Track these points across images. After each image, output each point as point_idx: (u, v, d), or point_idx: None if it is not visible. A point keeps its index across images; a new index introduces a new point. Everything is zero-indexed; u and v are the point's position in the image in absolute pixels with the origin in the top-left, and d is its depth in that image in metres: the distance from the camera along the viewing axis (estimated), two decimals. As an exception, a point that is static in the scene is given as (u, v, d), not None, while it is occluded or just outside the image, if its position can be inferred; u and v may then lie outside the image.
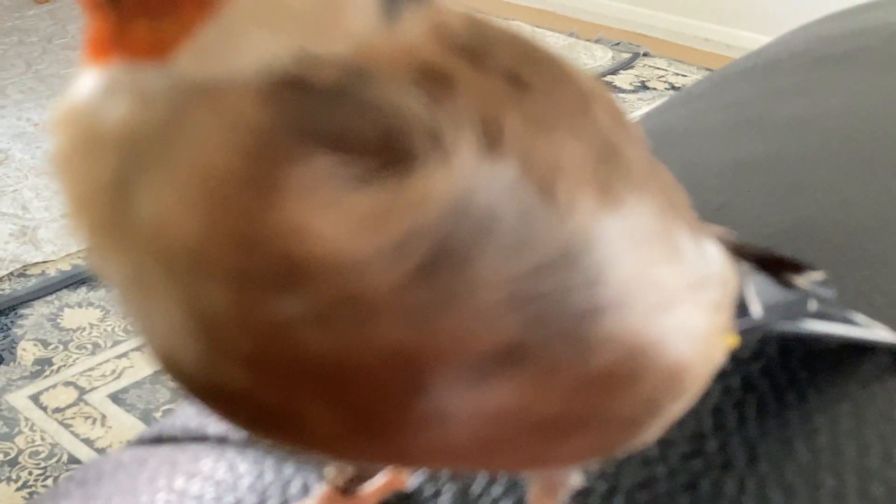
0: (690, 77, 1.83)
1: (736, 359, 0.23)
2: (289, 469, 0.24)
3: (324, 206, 0.15)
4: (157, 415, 0.94)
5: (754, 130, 0.22)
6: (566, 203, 0.17)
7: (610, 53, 1.90)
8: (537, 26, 2.00)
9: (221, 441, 0.25)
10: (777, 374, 0.26)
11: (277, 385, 0.16)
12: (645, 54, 1.91)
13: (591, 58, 1.85)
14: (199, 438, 0.26)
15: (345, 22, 0.16)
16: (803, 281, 0.25)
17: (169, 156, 0.15)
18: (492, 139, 0.16)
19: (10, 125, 1.48)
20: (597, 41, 1.96)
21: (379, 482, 0.24)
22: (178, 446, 0.26)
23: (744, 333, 0.23)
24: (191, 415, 0.27)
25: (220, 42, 0.16)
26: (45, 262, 1.15)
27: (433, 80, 0.16)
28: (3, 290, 1.11)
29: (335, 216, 0.15)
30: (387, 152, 0.15)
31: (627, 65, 1.85)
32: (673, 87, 1.77)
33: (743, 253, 0.24)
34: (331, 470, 0.23)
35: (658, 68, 1.86)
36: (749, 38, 1.89)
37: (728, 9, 1.91)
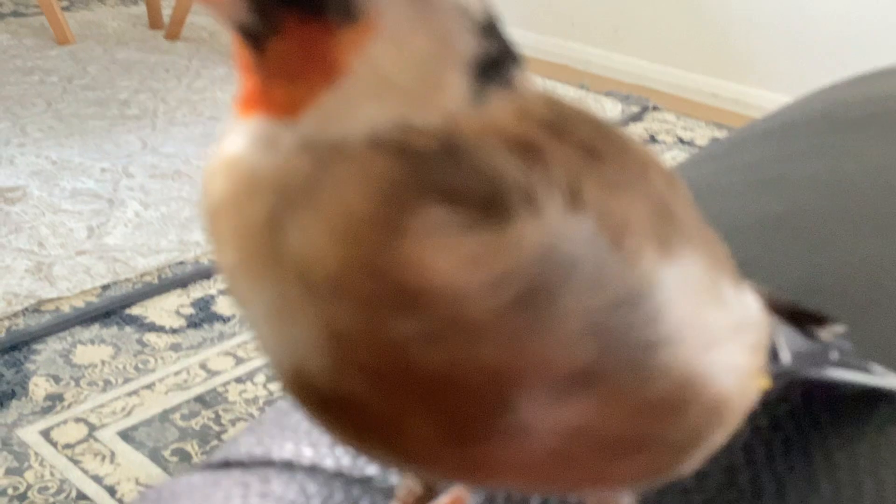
0: (698, 131, 1.85)
1: (764, 402, 0.25)
2: (357, 489, 0.26)
3: (438, 246, 0.18)
4: (166, 453, 0.94)
5: (775, 190, 0.24)
6: (633, 253, 0.20)
7: (620, 106, 1.93)
8: (549, 78, 2.03)
9: (288, 465, 0.27)
10: (801, 416, 0.29)
11: (389, 395, 0.19)
12: (654, 108, 1.93)
13: (601, 110, 1.88)
14: (266, 463, 0.28)
15: (440, 99, 0.20)
16: (826, 333, 0.28)
17: (315, 200, 0.19)
18: (574, 199, 0.19)
19: (29, 162, 1.50)
20: (607, 94, 1.99)
21: (443, 501, 0.26)
22: (248, 470, 0.27)
23: (774, 377, 0.25)
24: (253, 442, 0.29)
25: (339, 107, 0.19)
26: (59, 298, 1.17)
27: (524, 149, 0.19)
28: (17, 325, 1.12)
29: (447, 254, 0.18)
30: (490, 206, 0.18)
31: (637, 118, 1.87)
32: (681, 141, 1.80)
33: (772, 305, 0.27)
34: (403, 487, 0.25)
35: (667, 122, 1.89)
36: (756, 95, 1.92)
37: (736, 66, 1.95)
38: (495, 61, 0.20)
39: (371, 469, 0.27)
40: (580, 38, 2.15)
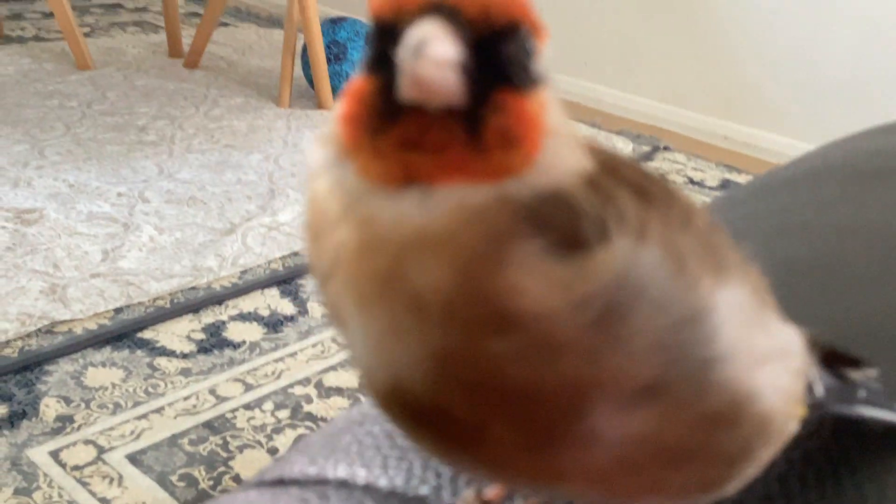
0: (709, 172, 1.87)
1: (797, 436, 0.27)
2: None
3: (532, 274, 0.21)
4: (173, 478, 0.95)
5: (801, 236, 0.25)
6: (693, 279, 0.22)
7: (631, 145, 1.95)
8: (561, 116, 2.05)
9: (344, 483, 0.28)
10: (832, 451, 0.30)
11: (480, 405, 0.21)
12: (665, 148, 1.95)
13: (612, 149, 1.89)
14: (322, 482, 0.29)
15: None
16: (856, 374, 0.30)
17: (440, 244, 0.21)
18: (642, 232, 0.22)
19: (46, 185, 1.52)
20: (619, 133, 2.01)
21: None
22: (304, 488, 0.28)
23: (809, 408, 0.27)
24: (306, 462, 0.30)
25: (547, 163, 0.22)
26: (72, 320, 1.18)
27: (595, 187, 0.22)
28: (30, 345, 1.13)
29: (539, 280, 0.21)
30: (574, 238, 0.21)
31: (648, 157, 1.89)
32: (691, 181, 1.81)
33: (809, 343, 0.28)
34: (467, 496, 0.28)
35: (677, 162, 1.90)
36: (766, 138, 1.93)
37: (747, 109, 1.96)
38: None
39: (424, 488, 0.28)
40: (593, 78, 2.17)
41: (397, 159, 0.21)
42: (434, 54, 0.19)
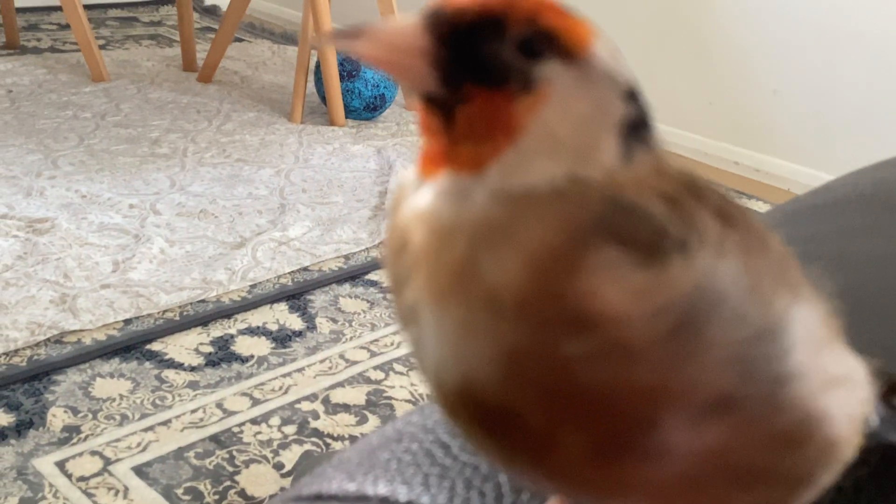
0: (719, 198, 1.87)
1: (847, 465, 0.27)
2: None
3: (610, 280, 0.21)
4: (178, 491, 0.95)
5: (832, 265, 0.25)
6: (769, 295, 0.22)
7: (641, 169, 1.95)
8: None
9: (384, 501, 0.28)
10: (883, 479, 0.30)
11: (550, 408, 0.21)
12: (675, 172, 1.95)
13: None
14: (362, 498, 0.29)
15: (599, 157, 0.23)
16: None
17: (512, 239, 0.22)
18: (721, 248, 0.22)
19: (58, 195, 1.53)
20: (629, 156, 2.01)
21: None
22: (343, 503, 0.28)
23: (865, 437, 0.27)
24: (344, 478, 0.30)
25: (519, 162, 0.23)
26: (81, 330, 1.18)
27: (673, 202, 0.22)
28: (38, 354, 1.13)
29: (617, 287, 0.21)
30: (653, 248, 0.22)
31: (658, 181, 1.89)
32: (701, 206, 1.81)
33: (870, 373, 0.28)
34: None
35: (687, 187, 1.91)
36: (777, 165, 1.93)
37: (758, 136, 1.97)
38: (637, 124, 0.24)
39: None
40: (604, 100, 2.18)
41: (427, 150, 0.23)
42: (400, 37, 0.22)
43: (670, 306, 0.21)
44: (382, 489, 0.28)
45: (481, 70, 0.22)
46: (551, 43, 0.23)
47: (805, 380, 0.23)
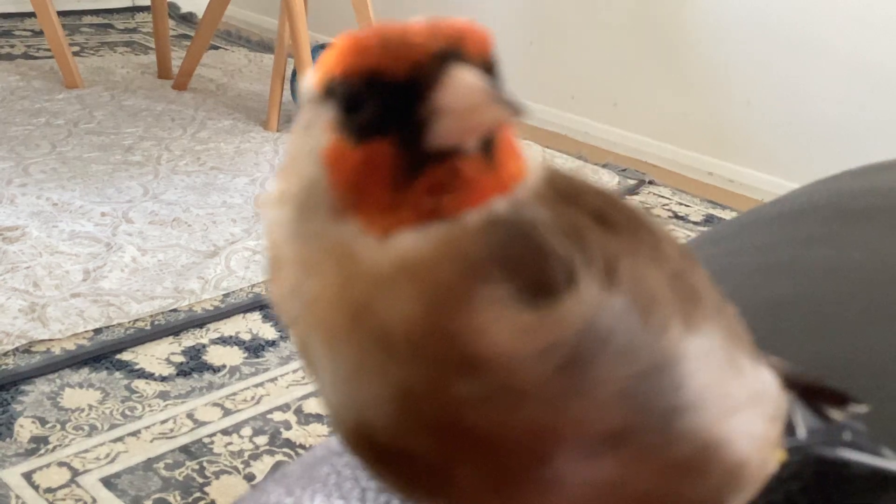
0: (693, 207, 1.88)
1: (779, 478, 0.27)
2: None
3: (499, 318, 0.20)
4: (147, 503, 0.93)
5: (785, 274, 0.25)
6: (660, 327, 0.22)
7: (616, 178, 1.96)
8: (548, 147, 2.06)
9: None
10: (814, 494, 0.30)
11: (444, 447, 0.21)
12: (650, 182, 1.96)
13: (598, 181, 1.90)
14: None
15: None
16: (839, 414, 0.29)
17: (409, 276, 0.21)
18: (610, 274, 0.21)
19: (29, 203, 1.51)
20: (604, 166, 2.02)
21: None
22: None
23: (790, 451, 0.27)
24: (282, 493, 0.30)
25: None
26: (50, 339, 1.16)
27: (561, 218, 0.21)
28: (6, 364, 1.12)
29: (504, 326, 0.20)
30: (542, 284, 0.21)
31: (633, 191, 1.90)
32: (676, 216, 1.82)
33: (791, 381, 0.28)
34: None
35: (662, 196, 1.92)
36: (751, 176, 1.95)
37: (732, 147, 1.98)
38: None
39: None
40: (580, 111, 2.19)
41: (422, 204, 0.21)
42: (479, 97, 0.20)
43: (558, 345, 0.21)
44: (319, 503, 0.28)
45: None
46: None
47: (702, 409, 0.23)
